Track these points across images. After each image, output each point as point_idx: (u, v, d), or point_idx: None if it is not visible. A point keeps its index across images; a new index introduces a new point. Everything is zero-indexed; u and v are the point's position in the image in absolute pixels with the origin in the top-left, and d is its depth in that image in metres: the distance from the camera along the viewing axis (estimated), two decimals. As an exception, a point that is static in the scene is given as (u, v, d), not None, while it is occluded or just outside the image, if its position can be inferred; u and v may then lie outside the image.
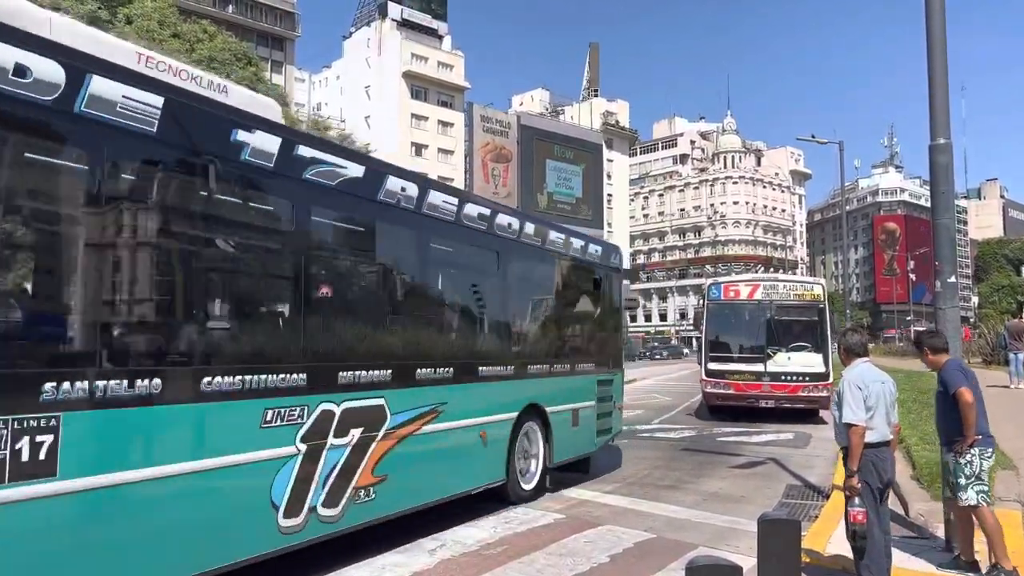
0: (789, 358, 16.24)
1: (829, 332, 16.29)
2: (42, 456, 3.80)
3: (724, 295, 17.15)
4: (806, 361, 16.16)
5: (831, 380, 15.33)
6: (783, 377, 16.04)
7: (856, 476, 5.13)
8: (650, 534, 7.27)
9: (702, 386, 17.18)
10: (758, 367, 16.29)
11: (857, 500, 5.11)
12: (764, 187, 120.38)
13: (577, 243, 10.33)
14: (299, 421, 5.48)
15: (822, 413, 16.39)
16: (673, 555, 6.48)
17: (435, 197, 7.30)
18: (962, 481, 5.66)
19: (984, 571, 5.73)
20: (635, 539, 7.07)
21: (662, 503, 8.67)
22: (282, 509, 5.33)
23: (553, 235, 9.74)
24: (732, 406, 16.80)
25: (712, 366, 16.74)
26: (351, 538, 6.30)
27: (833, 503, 8.28)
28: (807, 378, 15.96)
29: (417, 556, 6.45)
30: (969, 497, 5.62)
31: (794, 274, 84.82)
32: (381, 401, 6.34)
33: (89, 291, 4.22)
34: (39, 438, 3.79)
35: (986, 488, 5.67)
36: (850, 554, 6.18)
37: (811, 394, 15.97)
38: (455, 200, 7.65)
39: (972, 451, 5.62)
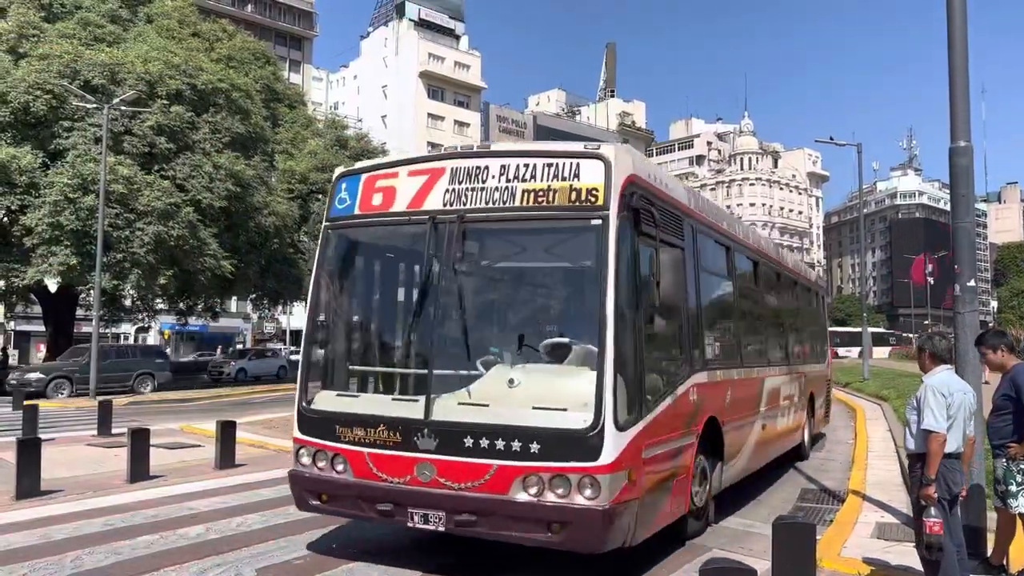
0: (512, 382, 5.72)
1: (619, 307, 5.42)
2: None
3: (362, 203, 6.46)
4: (549, 390, 5.65)
5: (615, 455, 5.21)
6: (468, 443, 5.47)
7: (933, 485, 4.97)
8: (661, 534, 7.24)
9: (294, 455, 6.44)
10: (410, 409, 5.79)
11: (933, 510, 4.92)
12: (781, 189, 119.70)
13: None
14: None
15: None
16: (687, 557, 6.46)
17: None
18: (1012, 488, 5.53)
19: (1016, 573, 5.68)
20: (647, 540, 7.04)
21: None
22: None
23: None
24: (356, 517, 6.30)
25: (315, 404, 6.37)
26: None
27: (848, 507, 8.24)
28: (537, 446, 5.28)
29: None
30: (1020, 504, 5.51)
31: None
32: None
33: None
34: None
35: None
36: (862, 558, 6.18)
37: (546, 499, 5.27)
38: None
39: None
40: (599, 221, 5.53)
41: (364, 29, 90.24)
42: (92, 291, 25.03)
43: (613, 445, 5.21)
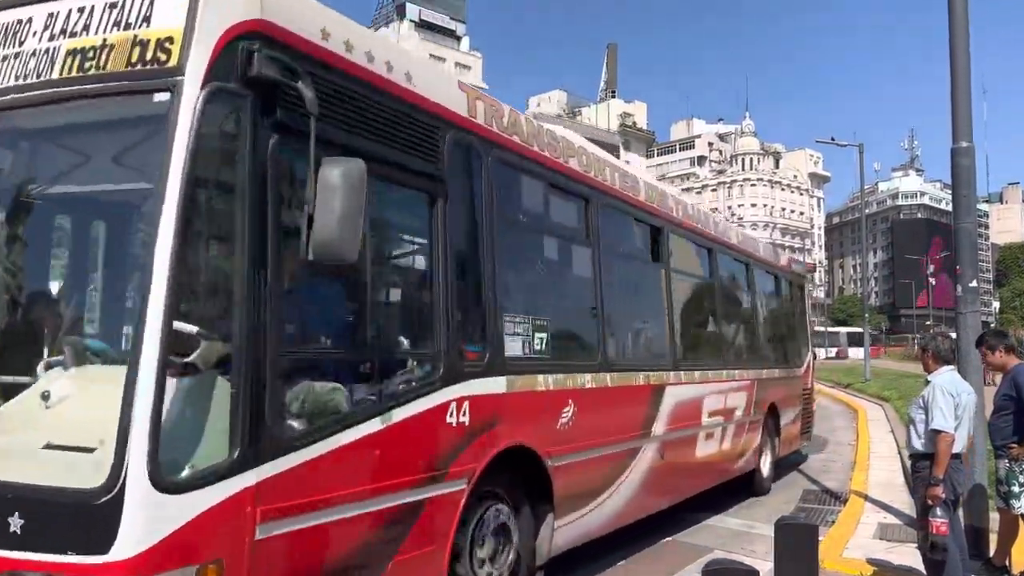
0: (47, 397, 3.05)
1: (190, 257, 3.04)
2: None
3: None
4: (93, 413, 2.98)
5: (150, 542, 2.68)
6: None
7: (941, 486, 4.97)
8: (664, 536, 7.24)
9: None
10: None
11: (939, 511, 4.90)
12: (782, 189, 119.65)
13: None
14: None
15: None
16: (689, 558, 6.45)
17: None
18: (1015, 488, 5.50)
19: (1018, 574, 5.67)
20: (649, 542, 7.05)
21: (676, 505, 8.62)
22: None
23: None
24: None
25: None
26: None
27: (851, 508, 8.25)
28: (19, 522, 2.77)
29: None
30: (1022, 505, 5.49)
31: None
32: None
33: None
34: None
35: None
36: (865, 558, 6.18)
37: None
38: None
39: None
40: (164, 96, 3.02)
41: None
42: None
43: (145, 521, 2.72)
